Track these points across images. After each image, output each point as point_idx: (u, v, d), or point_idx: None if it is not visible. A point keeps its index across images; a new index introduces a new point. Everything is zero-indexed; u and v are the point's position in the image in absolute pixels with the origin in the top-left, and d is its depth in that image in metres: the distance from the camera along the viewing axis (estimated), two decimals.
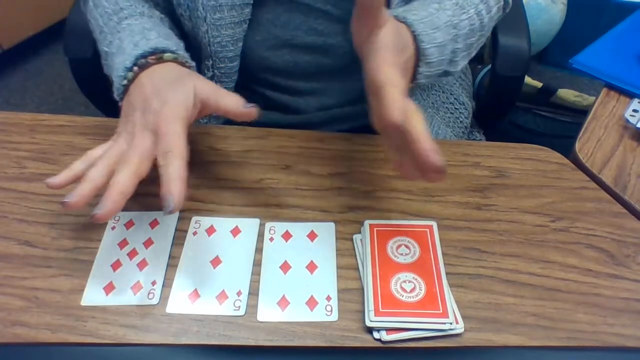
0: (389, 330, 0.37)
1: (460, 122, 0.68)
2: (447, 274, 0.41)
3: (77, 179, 0.39)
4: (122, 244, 0.42)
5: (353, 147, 0.52)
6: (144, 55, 0.43)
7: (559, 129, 1.07)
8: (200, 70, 0.57)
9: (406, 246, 0.42)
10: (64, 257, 0.42)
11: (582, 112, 1.08)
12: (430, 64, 0.43)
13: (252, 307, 0.39)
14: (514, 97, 0.76)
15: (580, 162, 0.52)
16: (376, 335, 0.37)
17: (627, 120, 0.56)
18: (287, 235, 0.44)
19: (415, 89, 0.45)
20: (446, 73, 0.48)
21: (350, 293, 0.40)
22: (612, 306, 0.40)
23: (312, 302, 0.39)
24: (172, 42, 0.46)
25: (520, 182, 0.49)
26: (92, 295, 0.39)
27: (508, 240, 0.44)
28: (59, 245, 0.42)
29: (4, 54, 1.72)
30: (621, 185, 0.49)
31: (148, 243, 0.43)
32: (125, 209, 0.44)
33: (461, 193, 0.48)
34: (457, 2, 0.47)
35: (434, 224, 0.44)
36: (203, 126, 0.57)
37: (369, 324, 0.37)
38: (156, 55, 0.43)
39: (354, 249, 0.43)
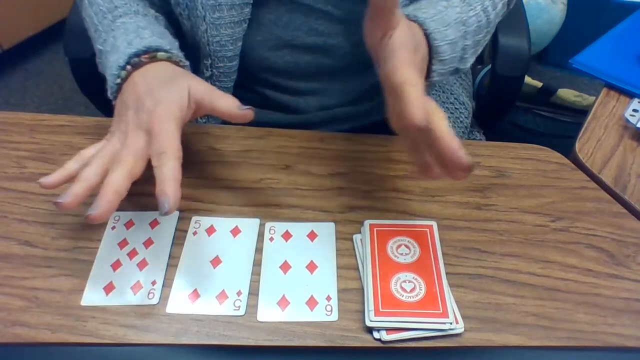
0: (389, 330, 0.37)
1: (461, 122, 0.68)
2: (447, 274, 0.41)
3: (70, 179, 0.39)
4: (122, 244, 0.42)
5: (353, 147, 0.52)
6: (137, 54, 0.42)
7: (559, 129, 1.07)
8: (198, 69, 0.56)
9: (406, 246, 0.42)
10: (64, 257, 0.42)
11: (582, 112, 1.08)
12: (443, 61, 0.43)
13: (252, 307, 0.39)
14: (514, 97, 0.76)
15: (580, 162, 0.52)
16: (376, 335, 0.37)
17: (627, 120, 0.56)
18: (287, 235, 0.44)
19: (429, 87, 0.45)
20: (456, 71, 0.48)
21: (350, 293, 0.40)
22: (612, 306, 0.40)
23: (312, 302, 0.39)
24: (166, 41, 0.46)
25: (520, 182, 0.49)
26: (92, 295, 0.39)
27: (508, 240, 0.44)
28: (59, 245, 0.42)
29: (4, 54, 1.72)
30: (621, 185, 0.49)
31: (148, 243, 0.43)
32: (125, 208, 0.44)
33: (461, 193, 0.48)
34: None
35: (434, 224, 0.44)
36: (202, 126, 0.57)
37: (369, 323, 0.37)
38: (149, 54, 0.43)
39: (354, 249, 0.43)
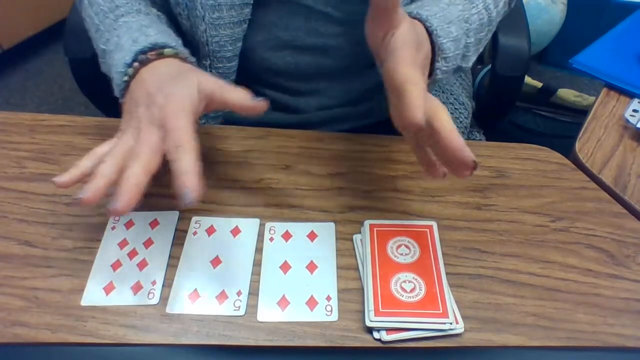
0: (389, 330, 0.37)
1: (460, 122, 0.68)
2: (447, 274, 0.41)
3: (84, 177, 0.38)
4: (122, 244, 0.42)
5: (353, 147, 0.52)
6: (143, 51, 0.42)
7: (559, 129, 1.07)
8: None
9: (406, 246, 0.42)
10: (64, 257, 0.42)
11: (582, 112, 1.08)
12: (447, 58, 0.43)
13: (252, 307, 0.39)
14: (514, 97, 0.76)
15: (580, 162, 0.52)
16: (376, 335, 0.37)
17: (627, 120, 0.56)
18: (287, 235, 0.44)
19: (432, 85, 0.45)
20: (459, 69, 0.48)
21: (350, 293, 0.40)
22: (612, 306, 0.40)
23: (312, 302, 0.39)
24: (172, 38, 0.46)
25: (520, 182, 0.49)
26: (92, 295, 0.39)
27: (508, 240, 0.44)
28: (59, 245, 0.42)
29: (4, 54, 1.73)
30: (621, 185, 0.49)
31: (148, 243, 0.43)
32: None
33: (461, 193, 0.48)
34: None
35: (434, 224, 0.44)
36: (202, 126, 0.57)
37: (369, 324, 0.37)
38: (156, 51, 0.43)
39: (354, 249, 0.43)
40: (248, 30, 0.53)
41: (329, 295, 0.39)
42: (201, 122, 0.61)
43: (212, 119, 0.61)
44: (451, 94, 0.68)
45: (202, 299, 0.39)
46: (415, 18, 0.42)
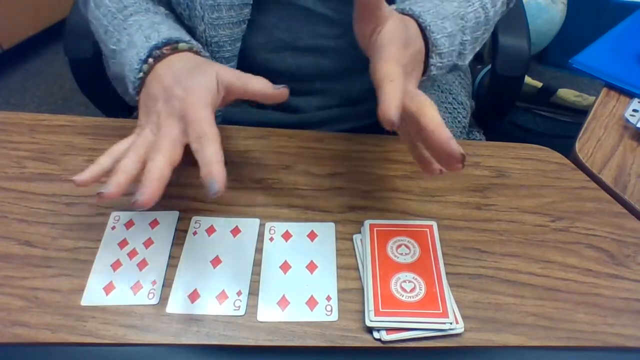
0: (389, 330, 0.37)
1: (459, 121, 0.68)
2: (447, 274, 0.41)
3: (104, 175, 0.38)
4: (122, 244, 0.42)
5: (353, 147, 0.52)
6: (157, 47, 0.42)
7: (559, 129, 1.07)
8: None
9: (406, 246, 0.42)
10: (64, 257, 0.42)
11: (582, 112, 1.08)
12: (441, 54, 0.43)
13: (252, 307, 0.39)
14: (514, 97, 0.76)
15: (580, 162, 0.52)
16: (376, 335, 0.37)
17: (627, 120, 0.56)
18: (287, 235, 0.44)
19: (427, 82, 0.45)
20: (455, 67, 0.48)
21: (350, 293, 0.40)
22: (612, 306, 0.40)
23: (312, 302, 0.39)
24: (184, 33, 0.45)
25: (520, 182, 0.49)
26: (92, 295, 0.39)
27: (508, 240, 0.44)
28: (59, 245, 0.42)
29: (4, 54, 1.73)
30: (621, 185, 0.49)
31: (148, 243, 0.43)
32: (125, 208, 0.44)
33: (461, 193, 0.48)
34: None
35: (434, 224, 0.44)
36: None
37: (369, 323, 0.37)
38: (171, 46, 0.43)
39: (354, 249, 0.43)
40: (249, 31, 0.53)
41: (329, 295, 0.39)
42: None
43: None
44: (450, 93, 0.68)
45: (202, 299, 0.39)
46: (407, 15, 0.42)
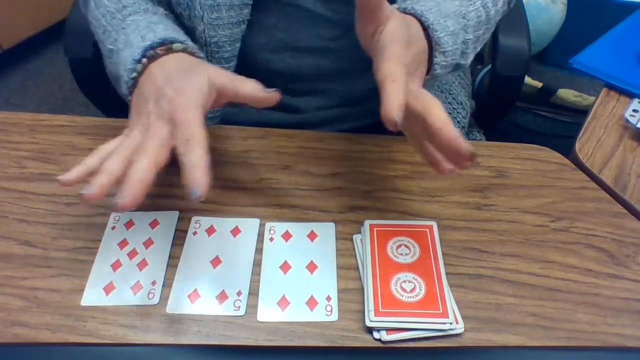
0: (389, 330, 0.37)
1: (458, 122, 0.68)
2: (447, 274, 0.41)
3: (90, 175, 0.38)
4: (122, 244, 0.42)
5: (353, 147, 0.52)
6: (152, 47, 0.42)
7: (559, 129, 1.07)
8: None
9: (406, 246, 0.42)
10: (64, 257, 0.42)
11: (582, 112, 1.08)
12: (445, 52, 0.43)
13: (252, 307, 0.39)
14: (514, 97, 0.76)
15: (580, 162, 0.52)
16: (376, 335, 0.37)
17: (627, 120, 0.56)
18: (287, 235, 0.44)
19: (431, 81, 0.44)
20: (457, 66, 0.48)
21: (350, 293, 0.40)
22: (612, 306, 0.40)
23: (312, 302, 0.39)
24: (180, 34, 0.45)
25: (520, 182, 0.49)
26: (92, 295, 0.39)
27: (508, 240, 0.44)
28: (59, 245, 0.42)
29: (4, 54, 1.73)
30: (621, 185, 0.49)
31: (148, 243, 0.43)
32: None
33: (461, 193, 0.48)
34: None
35: (434, 224, 0.44)
36: None
37: (369, 324, 0.37)
38: (165, 46, 0.42)
39: (354, 249, 0.43)
40: (249, 32, 0.53)
41: (329, 295, 0.39)
42: None
43: (210, 119, 0.61)
44: (450, 93, 0.68)
45: (202, 299, 0.39)
46: (409, 14, 0.42)
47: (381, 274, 0.40)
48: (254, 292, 0.40)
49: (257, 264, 0.41)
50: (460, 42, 0.45)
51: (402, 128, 0.38)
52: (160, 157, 0.36)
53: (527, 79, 1.11)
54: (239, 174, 0.49)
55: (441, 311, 0.38)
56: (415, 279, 0.40)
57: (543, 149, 0.53)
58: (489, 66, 0.79)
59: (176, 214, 0.45)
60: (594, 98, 0.63)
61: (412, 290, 0.39)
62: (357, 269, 0.42)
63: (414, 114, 0.36)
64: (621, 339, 0.38)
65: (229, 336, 0.37)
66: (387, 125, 0.34)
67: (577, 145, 0.53)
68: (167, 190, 0.46)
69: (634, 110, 0.57)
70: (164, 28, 0.45)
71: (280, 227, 0.44)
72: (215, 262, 0.42)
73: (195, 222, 0.44)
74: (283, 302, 0.39)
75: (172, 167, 0.36)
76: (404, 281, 0.40)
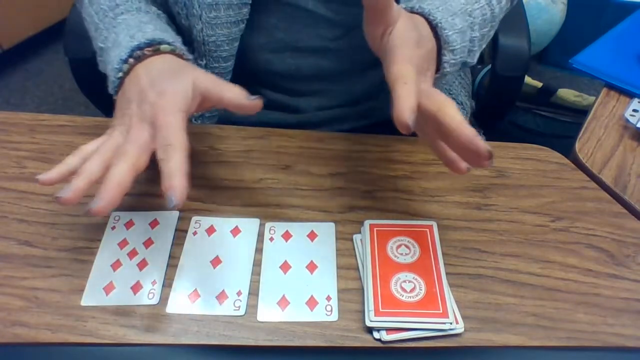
0: (389, 330, 0.37)
1: None
2: (447, 274, 0.41)
3: (70, 175, 0.38)
4: (122, 244, 0.42)
5: (353, 147, 0.52)
6: (139, 47, 0.42)
7: (559, 129, 1.07)
8: None
9: (406, 246, 0.42)
10: (64, 257, 0.42)
11: (582, 112, 1.08)
12: (454, 51, 0.42)
13: (252, 307, 0.39)
14: (514, 97, 0.76)
15: (580, 162, 0.52)
16: (376, 335, 0.37)
17: (627, 120, 0.56)
18: (287, 235, 0.44)
19: (439, 79, 0.44)
20: (464, 64, 0.47)
21: (350, 293, 0.40)
22: (612, 306, 0.40)
23: (312, 302, 0.39)
24: (169, 35, 0.45)
25: (520, 182, 0.49)
26: (92, 295, 0.39)
27: (508, 240, 0.44)
28: (59, 245, 0.42)
29: (4, 54, 1.73)
30: (621, 185, 0.49)
31: (148, 243, 0.43)
32: (125, 208, 0.44)
33: (461, 193, 0.48)
34: None
35: (434, 224, 0.44)
36: (202, 126, 0.57)
37: (369, 324, 0.37)
38: (153, 47, 0.42)
39: (354, 249, 0.43)
40: (249, 32, 0.53)
41: (329, 295, 0.39)
42: (195, 122, 0.60)
43: (208, 118, 0.61)
44: (450, 93, 0.68)
45: (202, 299, 0.39)
46: (417, 13, 0.42)
47: (381, 274, 0.40)
48: (254, 292, 0.40)
49: (257, 264, 0.41)
50: (468, 40, 0.45)
51: (414, 129, 0.38)
52: (139, 161, 0.36)
53: (527, 79, 1.11)
54: (239, 174, 0.49)
55: (441, 311, 0.38)
56: (415, 279, 0.40)
57: (543, 148, 0.53)
58: (489, 66, 0.79)
59: (176, 214, 0.45)
60: (594, 98, 0.63)
61: (412, 290, 0.39)
62: (357, 269, 0.42)
63: (426, 114, 0.36)
64: (621, 339, 0.38)
65: (229, 336, 0.37)
66: (400, 128, 0.33)
67: (577, 145, 0.53)
68: None
69: (634, 110, 0.57)
70: (153, 28, 0.44)
71: (280, 227, 0.44)
72: (215, 262, 0.42)
73: (195, 222, 0.44)
74: (283, 302, 0.39)
75: None
76: (404, 281, 0.40)
